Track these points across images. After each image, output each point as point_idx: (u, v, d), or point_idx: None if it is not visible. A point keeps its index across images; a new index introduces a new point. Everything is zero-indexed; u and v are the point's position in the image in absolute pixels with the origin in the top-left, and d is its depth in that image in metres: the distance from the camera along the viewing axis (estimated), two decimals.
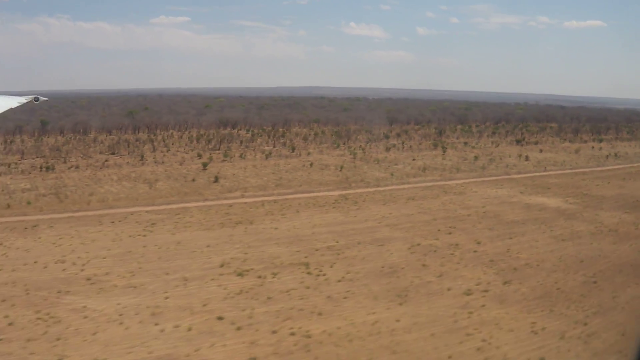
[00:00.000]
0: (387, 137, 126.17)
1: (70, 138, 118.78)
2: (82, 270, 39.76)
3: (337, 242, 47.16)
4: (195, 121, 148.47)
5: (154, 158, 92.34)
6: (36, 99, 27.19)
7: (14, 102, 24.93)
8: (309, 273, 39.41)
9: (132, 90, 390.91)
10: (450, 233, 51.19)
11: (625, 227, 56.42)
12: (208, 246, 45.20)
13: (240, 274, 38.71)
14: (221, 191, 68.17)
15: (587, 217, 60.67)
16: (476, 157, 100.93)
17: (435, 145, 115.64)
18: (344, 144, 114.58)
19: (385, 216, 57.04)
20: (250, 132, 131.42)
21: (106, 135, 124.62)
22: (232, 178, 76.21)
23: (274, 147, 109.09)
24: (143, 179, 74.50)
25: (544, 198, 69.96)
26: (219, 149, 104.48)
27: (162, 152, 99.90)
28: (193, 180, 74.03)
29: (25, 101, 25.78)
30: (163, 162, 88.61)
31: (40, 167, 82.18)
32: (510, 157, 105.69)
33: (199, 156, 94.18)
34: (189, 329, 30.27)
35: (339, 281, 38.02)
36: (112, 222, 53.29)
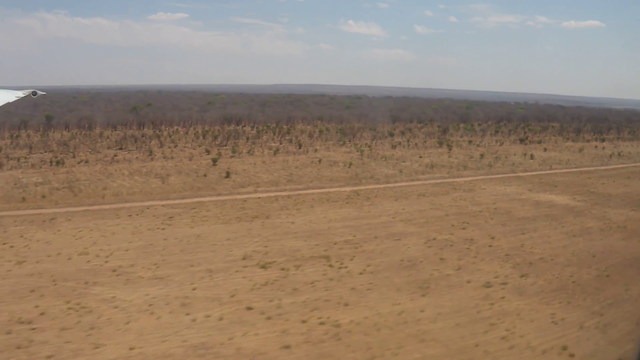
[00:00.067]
0: (391, 135, 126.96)
1: (76, 133, 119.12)
2: (106, 262, 40.33)
3: (354, 236, 47.90)
4: (199, 117, 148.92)
5: (162, 153, 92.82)
6: (34, 94, 27.53)
7: (11, 96, 25.03)
8: (330, 266, 40.14)
9: (130, 87, 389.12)
10: (464, 228, 52.03)
11: (633, 224, 57.45)
12: (228, 239, 45.86)
13: (263, 267, 39.40)
14: (233, 186, 68.78)
15: (595, 214, 61.67)
16: (482, 155, 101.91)
17: (441, 143, 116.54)
18: (349, 141, 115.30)
19: (399, 212, 57.82)
20: (255, 129, 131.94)
21: (111, 131, 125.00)
22: (243, 174, 76.83)
23: (281, 143, 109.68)
24: (154, 174, 74.99)
25: (552, 195, 70.92)
26: (225, 145, 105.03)
27: (169, 147, 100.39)
28: (205, 175, 74.59)
29: (23, 95, 25.99)
30: (172, 158, 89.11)
31: (50, 162, 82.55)
32: (515, 155, 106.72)
33: (207, 152, 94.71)
34: (220, 319, 30.93)
35: (361, 273, 38.77)
36: (129, 215, 53.84)
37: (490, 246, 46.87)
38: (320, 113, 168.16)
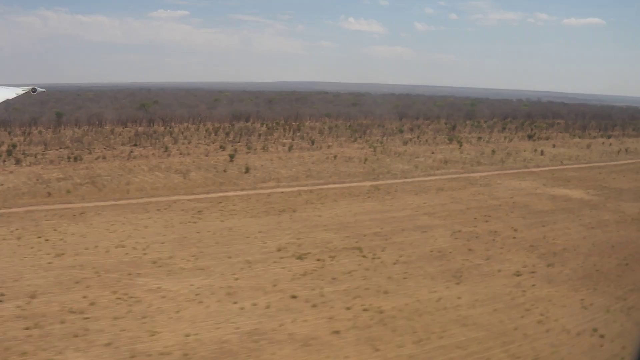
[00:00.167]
0: (401, 131, 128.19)
1: (88, 130, 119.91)
2: (144, 254, 41.39)
3: (381, 228, 49.13)
4: (208, 114, 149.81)
5: (178, 150, 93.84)
6: (33, 90, 28.09)
7: (11, 93, 25.51)
8: (364, 256, 41.35)
9: (132, 84, 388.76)
10: (486, 221, 53.34)
11: None
12: (260, 232, 47.00)
13: (299, 258, 40.57)
14: (255, 181, 69.91)
15: (610, 207, 63.11)
16: (493, 151, 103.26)
17: (451, 140, 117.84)
18: (360, 137, 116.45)
19: (421, 205, 59.08)
20: (265, 126, 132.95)
21: (122, 128, 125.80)
22: (262, 169, 77.96)
23: (293, 140, 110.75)
24: (174, 170, 76.04)
25: (567, 190, 72.28)
26: (239, 142, 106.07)
27: (183, 144, 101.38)
28: (224, 171, 75.69)
29: (22, 92, 26.52)
30: (188, 154, 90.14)
31: (68, 158, 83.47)
32: (525, 151, 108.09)
33: (222, 148, 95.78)
34: (267, 307, 32.08)
35: (395, 264, 40.01)
36: (158, 209, 54.90)
37: (514, 238, 48.19)
38: (327, 110, 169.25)
